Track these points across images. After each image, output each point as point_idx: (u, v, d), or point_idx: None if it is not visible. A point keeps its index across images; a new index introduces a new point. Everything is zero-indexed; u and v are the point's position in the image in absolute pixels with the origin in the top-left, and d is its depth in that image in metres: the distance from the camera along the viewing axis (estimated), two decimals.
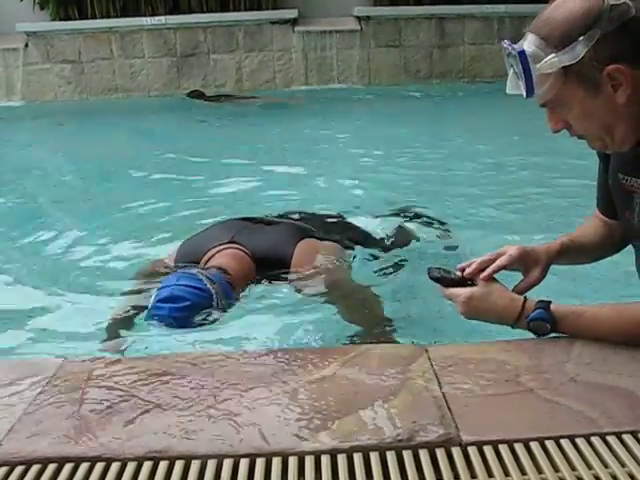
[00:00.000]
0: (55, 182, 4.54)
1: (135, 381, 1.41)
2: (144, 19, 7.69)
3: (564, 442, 1.21)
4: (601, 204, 1.79)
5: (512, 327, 1.57)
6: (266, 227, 2.46)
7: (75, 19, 7.85)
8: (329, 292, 2.23)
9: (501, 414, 1.29)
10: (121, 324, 2.15)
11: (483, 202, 3.50)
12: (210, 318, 2.05)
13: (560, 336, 1.53)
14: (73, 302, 2.38)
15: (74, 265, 2.82)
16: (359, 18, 7.89)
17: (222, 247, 2.30)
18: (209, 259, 2.27)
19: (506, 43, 1.48)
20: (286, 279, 2.27)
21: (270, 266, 2.27)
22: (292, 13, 7.83)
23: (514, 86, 1.49)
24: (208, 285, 2.06)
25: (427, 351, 1.50)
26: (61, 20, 7.85)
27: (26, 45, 7.78)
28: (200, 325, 2.03)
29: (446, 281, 1.63)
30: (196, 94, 7.53)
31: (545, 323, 1.51)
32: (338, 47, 7.85)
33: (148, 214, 3.52)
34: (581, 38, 1.38)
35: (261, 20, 7.79)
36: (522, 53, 1.42)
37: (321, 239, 2.43)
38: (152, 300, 2.06)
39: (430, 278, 1.64)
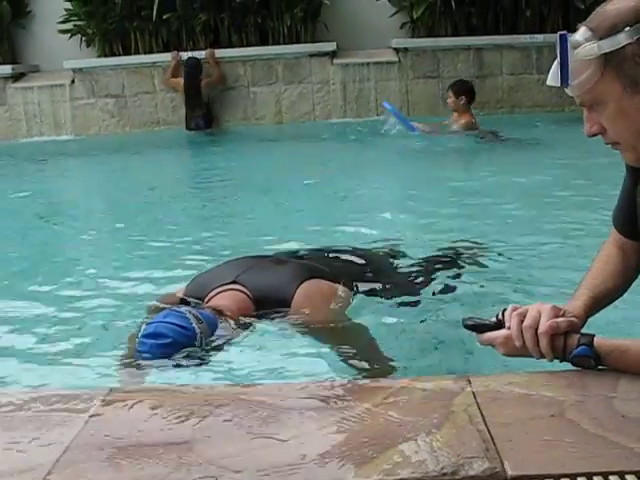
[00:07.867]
0: (95, 213, 4.65)
1: (179, 411, 1.42)
2: (185, 54, 7.87)
3: (613, 479, 1.18)
4: (621, 221, 1.68)
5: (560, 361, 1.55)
6: (274, 266, 2.51)
7: (120, 55, 8.08)
8: (326, 332, 2.26)
9: (547, 449, 1.26)
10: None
11: (533, 236, 3.43)
12: (194, 357, 2.08)
13: (605, 369, 1.51)
14: (117, 333, 2.42)
15: (112, 297, 2.85)
16: (397, 50, 7.96)
17: (223, 288, 2.36)
18: (210, 299, 2.33)
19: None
20: (285, 318, 2.31)
21: (271, 306, 2.32)
22: (331, 46, 7.94)
23: (554, 76, 1.43)
24: (194, 324, 2.10)
25: (470, 382, 1.49)
26: (106, 56, 8.08)
27: (72, 81, 8.02)
28: (183, 363, 2.06)
29: (481, 327, 1.62)
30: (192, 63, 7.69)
31: (589, 359, 1.49)
32: (376, 79, 7.92)
33: (185, 246, 3.58)
34: (627, 29, 1.34)
35: (300, 53, 7.91)
36: (563, 37, 1.38)
37: (328, 279, 2.45)
38: (139, 335, 2.11)
39: (465, 327, 1.64)
